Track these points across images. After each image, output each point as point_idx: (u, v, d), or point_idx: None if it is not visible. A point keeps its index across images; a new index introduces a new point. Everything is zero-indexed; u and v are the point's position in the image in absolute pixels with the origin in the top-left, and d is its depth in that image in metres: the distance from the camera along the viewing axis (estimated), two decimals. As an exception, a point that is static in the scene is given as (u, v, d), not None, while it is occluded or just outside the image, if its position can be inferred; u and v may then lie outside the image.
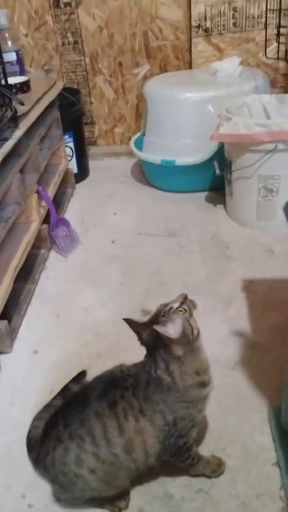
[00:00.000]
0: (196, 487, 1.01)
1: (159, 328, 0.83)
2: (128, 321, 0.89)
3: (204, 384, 0.92)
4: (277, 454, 1.05)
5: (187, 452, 0.95)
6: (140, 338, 0.90)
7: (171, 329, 0.85)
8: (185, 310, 0.88)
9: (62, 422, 0.90)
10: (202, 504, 0.98)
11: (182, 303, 0.89)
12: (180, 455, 0.94)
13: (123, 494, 0.99)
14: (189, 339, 0.87)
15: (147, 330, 0.88)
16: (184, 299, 0.90)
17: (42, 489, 1.03)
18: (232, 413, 1.16)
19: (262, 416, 1.15)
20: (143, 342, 0.90)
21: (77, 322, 1.52)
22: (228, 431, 1.12)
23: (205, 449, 1.08)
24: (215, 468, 1.03)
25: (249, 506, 0.97)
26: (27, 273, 1.73)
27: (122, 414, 0.88)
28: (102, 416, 0.88)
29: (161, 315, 0.88)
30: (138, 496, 1.01)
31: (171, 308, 0.88)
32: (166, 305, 0.90)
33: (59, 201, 2.23)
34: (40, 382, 1.31)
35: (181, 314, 0.87)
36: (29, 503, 1.03)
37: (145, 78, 2.53)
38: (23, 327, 1.53)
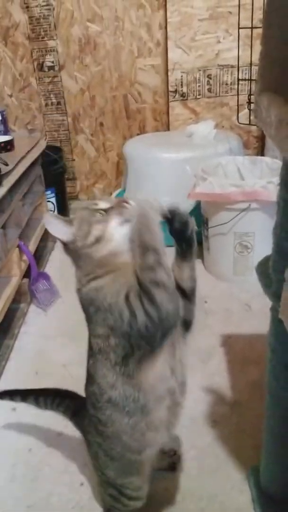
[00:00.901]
0: None
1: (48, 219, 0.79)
2: None
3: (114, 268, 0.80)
4: (257, 515, 1.04)
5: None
6: None
7: (72, 227, 0.79)
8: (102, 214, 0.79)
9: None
10: None
11: (111, 208, 0.80)
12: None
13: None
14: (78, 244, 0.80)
15: None
16: (119, 205, 0.79)
17: None
18: (211, 472, 1.16)
19: (241, 475, 1.14)
20: None
21: (55, 379, 1.51)
22: (207, 491, 1.11)
23: (184, 510, 1.07)
24: None
25: None
26: (6, 328, 1.73)
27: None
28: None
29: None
30: None
31: (96, 207, 0.80)
32: (94, 203, 0.81)
33: (40, 255, 2.25)
34: (18, 442, 1.29)
35: (95, 216, 0.79)
36: None
37: None
38: (1, 384, 1.50)
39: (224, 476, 1.15)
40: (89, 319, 0.82)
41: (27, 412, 1.38)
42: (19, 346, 1.69)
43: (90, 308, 0.80)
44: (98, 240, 0.78)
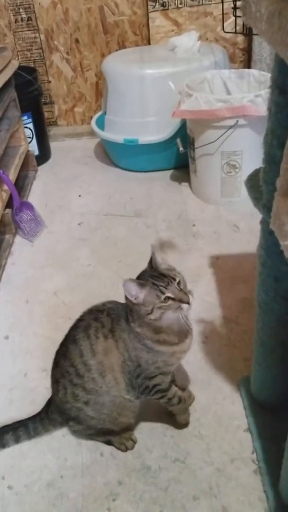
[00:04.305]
0: (172, 457, 1.05)
1: (126, 283, 0.88)
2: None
3: (163, 342, 0.94)
4: (248, 420, 1.10)
5: (158, 393, 1.01)
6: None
7: (141, 294, 0.89)
8: (171, 298, 0.89)
9: (55, 364, 1.03)
10: (179, 474, 1.02)
11: (180, 291, 0.90)
12: (150, 395, 1.00)
13: (127, 434, 1.08)
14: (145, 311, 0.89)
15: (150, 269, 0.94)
16: (185, 296, 0.91)
17: (21, 469, 1.04)
18: (204, 385, 1.20)
19: (232, 386, 1.19)
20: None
21: (47, 306, 1.52)
22: (201, 402, 1.16)
23: (179, 422, 1.11)
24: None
25: (223, 471, 1.01)
26: (-8, 260, 1.70)
27: (93, 334, 0.96)
28: (77, 340, 0.97)
29: (159, 278, 0.90)
30: (116, 469, 1.04)
31: (170, 283, 0.90)
32: (173, 278, 0.91)
33: (21, 185, 2.18)
34: (13, 368, 1.31)
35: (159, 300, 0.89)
36: (9, 484, 1.04)
37: None
38: (-8, 315, 1.51)
39: (217, 388, 1.19)
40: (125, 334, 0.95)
41: (20, 340, 1.41)
42: (7, 276, 1.68)
43: (134, 342, 0.94)
44: (155, 319, 0.90)
